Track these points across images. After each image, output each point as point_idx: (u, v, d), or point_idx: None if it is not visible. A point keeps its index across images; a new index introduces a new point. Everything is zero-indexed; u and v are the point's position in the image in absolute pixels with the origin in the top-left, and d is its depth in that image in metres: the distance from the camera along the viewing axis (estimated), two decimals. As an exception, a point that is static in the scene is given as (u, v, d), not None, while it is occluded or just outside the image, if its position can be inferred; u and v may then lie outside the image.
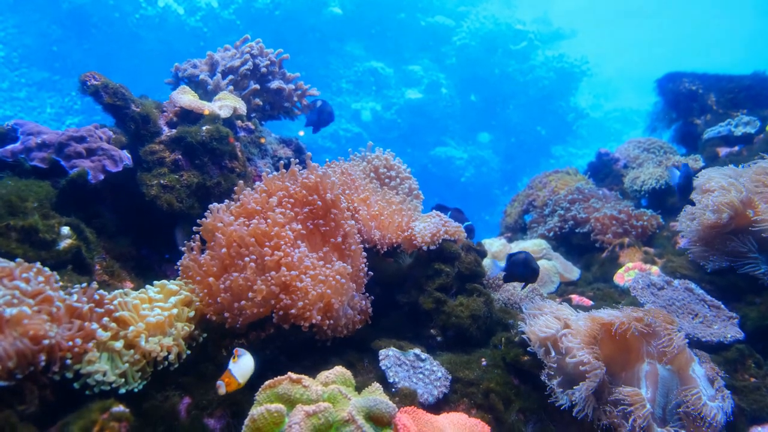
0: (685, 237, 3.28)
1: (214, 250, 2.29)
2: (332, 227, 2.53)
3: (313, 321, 2.17)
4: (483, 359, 2.44)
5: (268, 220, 2.32)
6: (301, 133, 3.71)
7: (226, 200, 2.55)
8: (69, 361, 1.77)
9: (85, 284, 2.01)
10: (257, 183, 2.65)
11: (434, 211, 3.11)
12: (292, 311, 2.14)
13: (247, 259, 2.20)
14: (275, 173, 2.66)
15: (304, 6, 15.66)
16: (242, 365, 1.88)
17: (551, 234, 4.37)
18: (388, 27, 17.11)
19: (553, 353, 2.20)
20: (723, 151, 4.54)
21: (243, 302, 2.15)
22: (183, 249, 2.43)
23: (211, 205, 2.46)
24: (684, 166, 2.90)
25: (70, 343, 1.74)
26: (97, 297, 1.96)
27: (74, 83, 2.86)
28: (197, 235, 2.42)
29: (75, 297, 1.90)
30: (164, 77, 3.74)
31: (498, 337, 2.61)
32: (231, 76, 3.58)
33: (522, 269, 2.69)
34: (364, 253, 2.65)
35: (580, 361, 2.06)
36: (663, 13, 28.87)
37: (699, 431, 2.00)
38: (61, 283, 1.95)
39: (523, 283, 2.92)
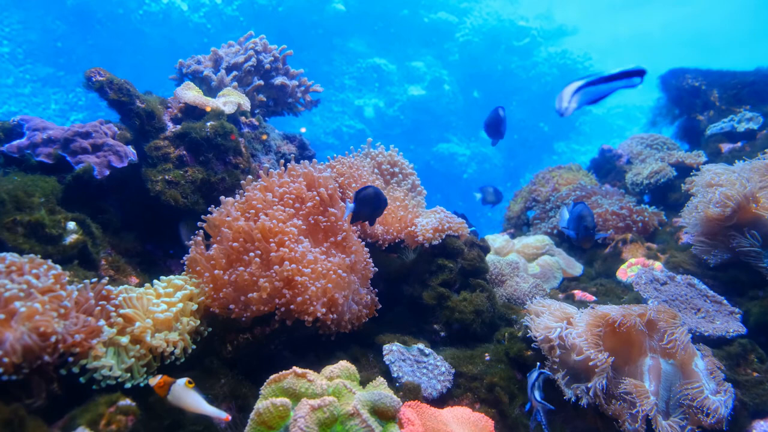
0: (689, 232, 3.28)
1: (221, 244, 2.31)
2: (333, 222, 2.53)
3: (318, 315, 2.18)
4: (486, 354, 2.45)
5: (265, 217, 2.33)
6: (303, 130, 3.72)
7: (236, 195, 2.56)
8: (73, 358, 1.78)
9: (95, 279, 2.03)
10: (257, 180, 2.66)
11: (438, 207, 3.12)
12: (292, 306, 2.16)
13: (252, 254, 2.21)
14: (272, 170, 2.66)
15: (307, 2, 15.66)
16: (185, 395, 1.76)
17: (555, 231, 4.37)
18: (391, 23, 17.10)
19: (557, 349, 2.21)
20: (726, 146, 4.54)
21: (249, 295, 2.16)
22: (188, 244, 2.45)
23: (223, 198, 2.47)
24: (576, 204, 2.81)
25: (78, 337, 1.76)
26: (104, 293, 1.98)
27: (79, 79, 2.87)
28: (202, 230, 2.43)
29: (83, 293, 1.91)
30: (168, 73, 3.75)
31: (501, 332, 2.62)
32: (235, 72, 3.58)
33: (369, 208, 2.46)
34: (366, 249, 2.66)
35: (588, 357, 2.07)
36: (665, 9, 28.75)
37: (701, 424, 2.01)
38: (68, 279, 1.96)
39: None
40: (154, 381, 1.76)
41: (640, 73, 1.58)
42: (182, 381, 1.76)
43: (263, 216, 2.33)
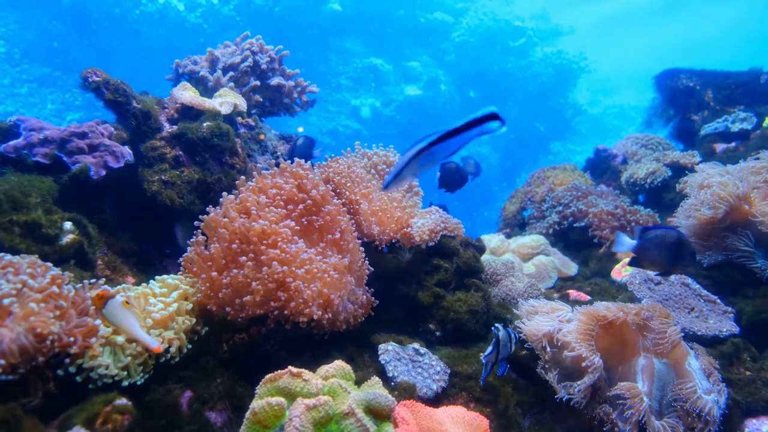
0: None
1: (217, 244, 2.31)
2: (327, 222, 2.54)
3: (314, 317, 2.19)
4: (481, 354, 2.47)
5: (261, 220, 2.34)
6: (300, 129, 3.72)
7: (230, 195, 2.57)
8: (68, 359, 1.78)
9: (93, 280, 2.03)
10: (249, 181, 2.66)
11: (433, 207, 3.13)
12: (285, 312, 2.17)
13: (244, 258, 2.22)
14: (264, 172, 2.67)
15: (304, 2, 15.66)
16: (119, 313, 1.76)
17: (551, 231, 4.39)
18: (387, 24, 17.12)
19: (549, 348, 2.22)
20: (720, 147, 4.57)
21: (244, 298, 2.17)
22: (184, 244, 2.45)
23: (225, 194, 2.47)
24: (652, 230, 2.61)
25: (73, 338, 1.76)
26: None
27: (75, 79, 2.88)
28: (199, 231, 2.44)
29: (80, 293, 1.92)
30: (165, 73, 3.75)
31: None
32: (231, 73, 3.59)
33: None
34: (362, 248, 2.67)
35: (579, 356, 2.08)
36: (661, 9, 28.86)
37: (695, 424, 2.03)
38: (64, 279, 1.97)
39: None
40: (94, 292, 1.76)
41: (494, 117, 1.40)
42: (120, 298, 1.75)
43: (257, 218, 2.34)
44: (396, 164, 1.43)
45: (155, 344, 1.74)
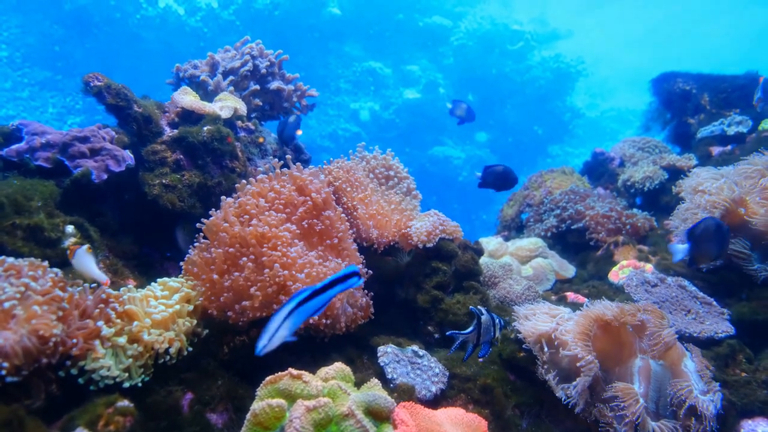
0: (678, 236, 3.33)
1: (218, 248, 2.33)
2: (327, 226, 2.56)
3: (311, 321, 2.21)
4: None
5: (258, 222, 2.35)
6: (299, 133, 3.74)
7: (229, 199, 2.58)
8: (69, 362, 1.80)
9: (95, 284, 2.05)
10: (248, 185, 2.68)
11: (432, 210, 3.15)
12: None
13: (245, 259, 2.24)
14: (262, 176, 2.68)
15: (304, 6, 15.69)
16: (83, 258, 2.12)
17: (548, 234, 4.41)
18: (386, 27, 17.15)
19: (546, 349, 2.24)
20: (716, 150, 4.59)
21: (245, 303, 2.19)
22: (185, 247, 2.47)
23: (223, 200, 2.48)
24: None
25: (75, 340, 1.78)
26: (104, 296, 2.00)
27: (76, 83, 2.90)
28: (200, 234, 2.46)
29: (82, 296, 1.94)
30: (165, 77, 3.78)
31: (494, 334, 2.65)
32: (231, 77, 3.62)
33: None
34: (361, 255, 2.69)
35: (575, 356, 2.10)
36: (658, 13, 28.94)
37: (691, 425, 2.05)
38: (66, 282, 1.98)
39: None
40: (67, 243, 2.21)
41: (355, 274, 1.65)
42: (84, 246, 2.13)
43: (256, 221, 2.36)
44: (269, 327, 1.56)
45: (104, 278, 2.10)
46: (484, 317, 2.15)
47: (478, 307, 2.21)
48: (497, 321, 2.20)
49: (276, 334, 1.57)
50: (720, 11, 26.86)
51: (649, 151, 5.07)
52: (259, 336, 1.56)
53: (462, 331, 2.17)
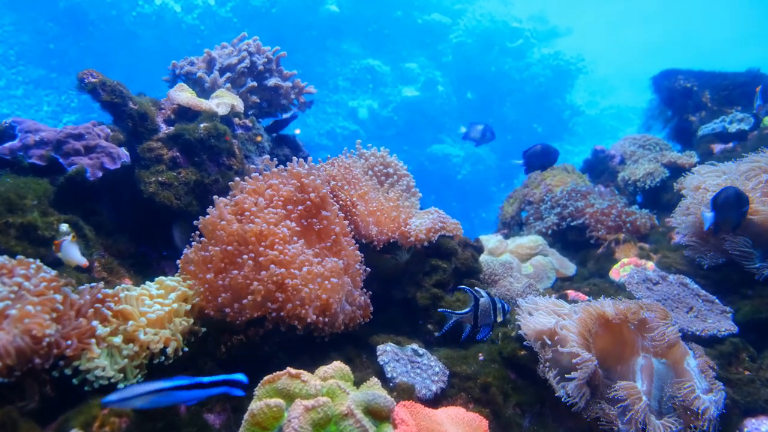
0: (680, 233, 3.30)
1: (216, 246, 2.30)
2: (325, 225, 2.54)
3: (309, 320, 2.19)
4: (480, 354, 2.46)
5: (258, 220, 2.33)
6: (298, 131, 3.72)
7: (224, 198, 2.56)
8: (63, 363, 1.77)
9: (94, 284, 2.02)
10: (243, 182, 2.65)
11: (432, 207, 3.13)
12: (282, 314, 2.16)
13: (245, 257, 2.21)
14: (256, 174, 2.66)
15: (301, 4, 15.65)
16: (68, 247, 2.20)
17: (549, 232, 4.39)
18: (384, 25, 17.11)
19: (548, 347, 2.22)
20: (717, 147, 4.57)
21: (243, 301, 2.17)
22: (182, 246, 2.44)
23: (216, 199, 2.46)
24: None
25: (70, 340, 1.75)
26: (100, 296, 1.97)
27: (71, 81, 2.87)
28: (197, 232, 2.43)
29: (78, 295, 1.91)
30: (161, 75, 3.74)
31: (495, 332, 2.63)
32: (228, 74, 3.59)
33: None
34: (359, 253, 2.66)
35: (573, 353, 2.08)
36: (658, 10, 28.95)
37: (693, 423, 2.03)
38: (60, 281, 1.95)
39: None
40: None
41: (240, 383, 1.60)
42: (69, 237, 2.22)
43: (254, 218, 2.33)
44: (133, 390, 1.48)
45: (83, 261, 2.20)
46: (483, 299, 2.11)
47: (476, 288, 2.18)
48: (499, 306, 2.16)
49: (133, 398, 1.48)
50: (720, 9, 26.85)
51: (650, 148, 5.04)
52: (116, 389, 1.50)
53: (457, 311, 2.13)
